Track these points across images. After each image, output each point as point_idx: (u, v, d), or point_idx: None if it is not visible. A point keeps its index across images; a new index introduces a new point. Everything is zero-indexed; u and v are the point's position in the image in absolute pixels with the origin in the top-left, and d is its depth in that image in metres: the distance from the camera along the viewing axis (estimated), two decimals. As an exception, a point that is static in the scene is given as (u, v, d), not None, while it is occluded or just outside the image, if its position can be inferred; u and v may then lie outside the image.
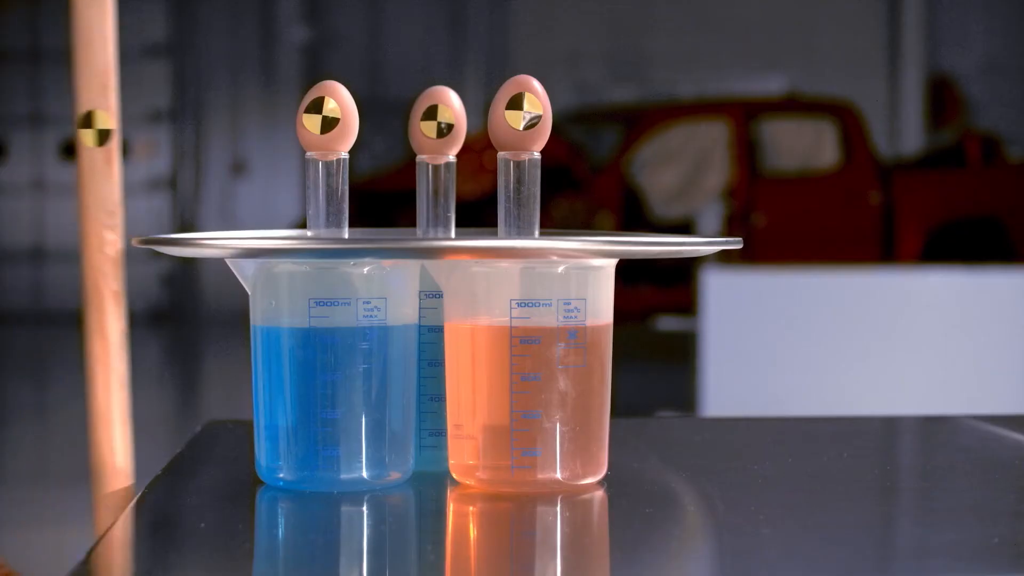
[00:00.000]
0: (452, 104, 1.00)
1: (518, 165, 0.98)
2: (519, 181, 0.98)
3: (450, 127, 1.00)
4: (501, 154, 0.98)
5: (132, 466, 1.02)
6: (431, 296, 1.04)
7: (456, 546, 0.90)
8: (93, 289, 1.00)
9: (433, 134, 1.00)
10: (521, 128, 0.96)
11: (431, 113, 1.00)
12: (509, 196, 0.98)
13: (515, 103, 0.96)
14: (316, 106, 0.96)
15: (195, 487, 1.02)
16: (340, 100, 0.97)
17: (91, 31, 0.98)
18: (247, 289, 0.99)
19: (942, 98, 9.70)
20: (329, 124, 0.97)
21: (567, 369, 0.97)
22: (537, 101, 0.97)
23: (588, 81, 9.81)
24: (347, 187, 0.99)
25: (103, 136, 0.99)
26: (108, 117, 0.98)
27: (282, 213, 9.46)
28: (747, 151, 7.35)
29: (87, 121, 0.98)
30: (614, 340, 1.01)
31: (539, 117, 0.97)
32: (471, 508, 0.97)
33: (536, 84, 0.97)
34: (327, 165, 0.98)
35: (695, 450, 1.18)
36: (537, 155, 0.98)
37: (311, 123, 0.96)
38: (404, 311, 0.99)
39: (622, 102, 9.37)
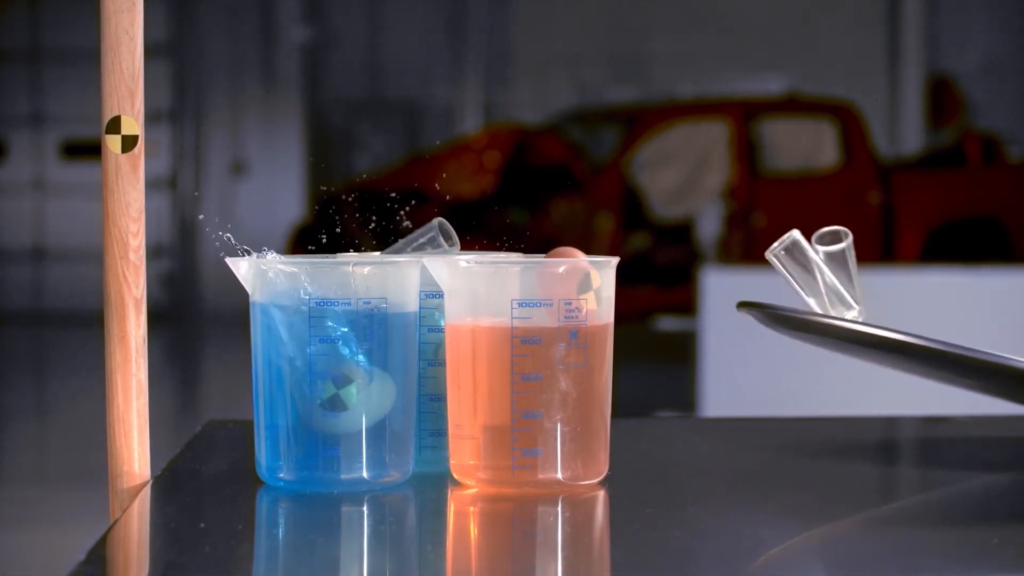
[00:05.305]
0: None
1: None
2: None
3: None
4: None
5: (150, 472, 1.01)
6: (431, 296, 1.04)
7: (456, 546, 0.90)
8: (115, 294, 0.99)
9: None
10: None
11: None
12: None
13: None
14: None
15: (195, 487, 1.02)
16: None
17: (120, 36, 0.98)
18: (247, 289, 0.99)
19: (942, 98, 9.69)
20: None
21: (568, 369, 0.97)
22: None
23: (588, 81, 9.80)
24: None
25: (129, 142, 0.98)
26: (134, 123, 0.98)
27: (282, 213, 9.45)
28: (747, 151, 7.34)
29: (113, 126, 0.98)
30: (614, 340, 1.01)
31: None
32: (472, 508, 0.97)
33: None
34: None
35: (695, 450, 1.18)
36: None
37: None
38: (405, 311, 0.99)
39: (622, 102, 9.36)
